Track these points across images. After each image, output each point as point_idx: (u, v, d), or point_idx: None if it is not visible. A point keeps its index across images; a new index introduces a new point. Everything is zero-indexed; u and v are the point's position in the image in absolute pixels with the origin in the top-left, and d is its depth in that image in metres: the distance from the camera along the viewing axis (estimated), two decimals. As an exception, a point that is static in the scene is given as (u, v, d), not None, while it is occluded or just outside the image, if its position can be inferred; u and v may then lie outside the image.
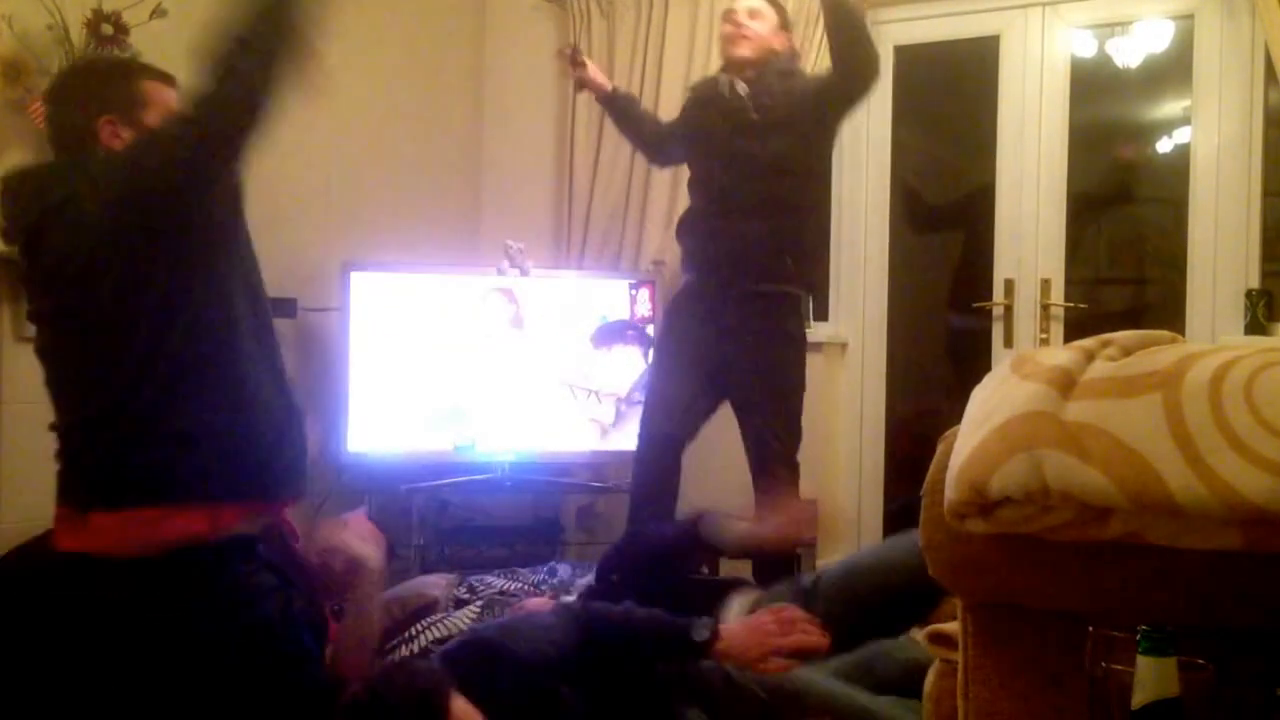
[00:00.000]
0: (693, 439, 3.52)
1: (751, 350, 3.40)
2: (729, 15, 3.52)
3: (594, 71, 3.83)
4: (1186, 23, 3.86)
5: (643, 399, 3.68)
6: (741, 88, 3.43)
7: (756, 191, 3.38)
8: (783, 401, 3.44)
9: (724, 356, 3.42)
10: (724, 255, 3.43)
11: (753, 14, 3.48)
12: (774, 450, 3.40)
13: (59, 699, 2.02)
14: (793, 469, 3.45)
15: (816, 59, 4.04)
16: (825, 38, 3.44)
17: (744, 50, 3.45)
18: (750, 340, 3.39)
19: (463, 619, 2.98)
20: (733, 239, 3.40)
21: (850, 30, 3.25)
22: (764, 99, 3.40)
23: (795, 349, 3.47)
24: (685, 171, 4.17)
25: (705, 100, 3.56)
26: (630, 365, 3.97)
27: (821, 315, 4.29)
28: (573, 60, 3.79)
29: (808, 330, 3.62)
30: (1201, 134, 3.82)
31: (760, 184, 3.38)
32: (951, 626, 1.35)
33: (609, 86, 3.84)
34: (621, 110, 3.85)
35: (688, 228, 3.60)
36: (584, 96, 4.36)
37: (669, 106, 4.21)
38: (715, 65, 4.11)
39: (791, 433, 3.45)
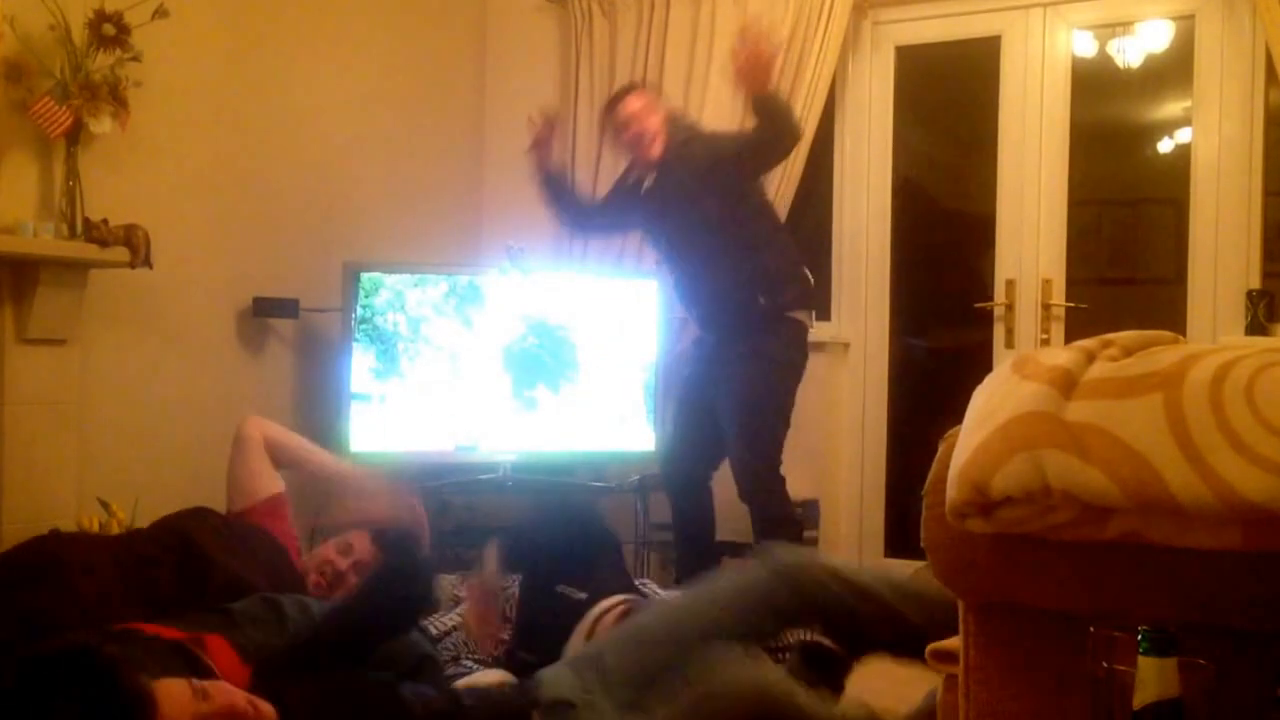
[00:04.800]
0: (716, 467, 3.71)
1: (729, 371, 3.57)
2: (624, 125, 3.63)
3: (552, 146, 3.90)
4: (1187, 23, 3.86)
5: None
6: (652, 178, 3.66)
7: (702, 251, 3.60)
8: (750, 416, 3.53)
9: (716, 387, 3.63)
10: (701, 311, 3.73)
11: (642, 114, 3.60)
12: (741, 463, 3.54)
13: None
14: (760, 479, 3.52)
15: (817, 62, 4.05)
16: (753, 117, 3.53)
17: (656, 150, 3.60)
18: (729, 362, 3.57)
19: (455, 616, 2.99)
20: (701, 295, 3.69)
21: (780, 118, 3.42)
22: (681, 175, 3.56)
23: (770, 367, 3.55)
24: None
25: (629, 194, 3.76)
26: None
27: (823, 315, 4.29)
28: (542, 132, 3.81)
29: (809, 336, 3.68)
30: (1202, 134, 3.82)
31: (703, 243, 3.58)
32: (952, 643, 1.35)
33: (556, 166, 3.92)
34: (558, 185, 3.91)
35: (675, 295, 3.87)
36: (584, 97, 4.39)
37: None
38: (715, 65, 4.14)
39: (759, 447, 3.52)
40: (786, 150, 3.56)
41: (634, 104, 3.62)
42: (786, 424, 3.58)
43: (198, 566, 2.52)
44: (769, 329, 3.55)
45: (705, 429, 3.63)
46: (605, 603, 2.66)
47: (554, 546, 2.90)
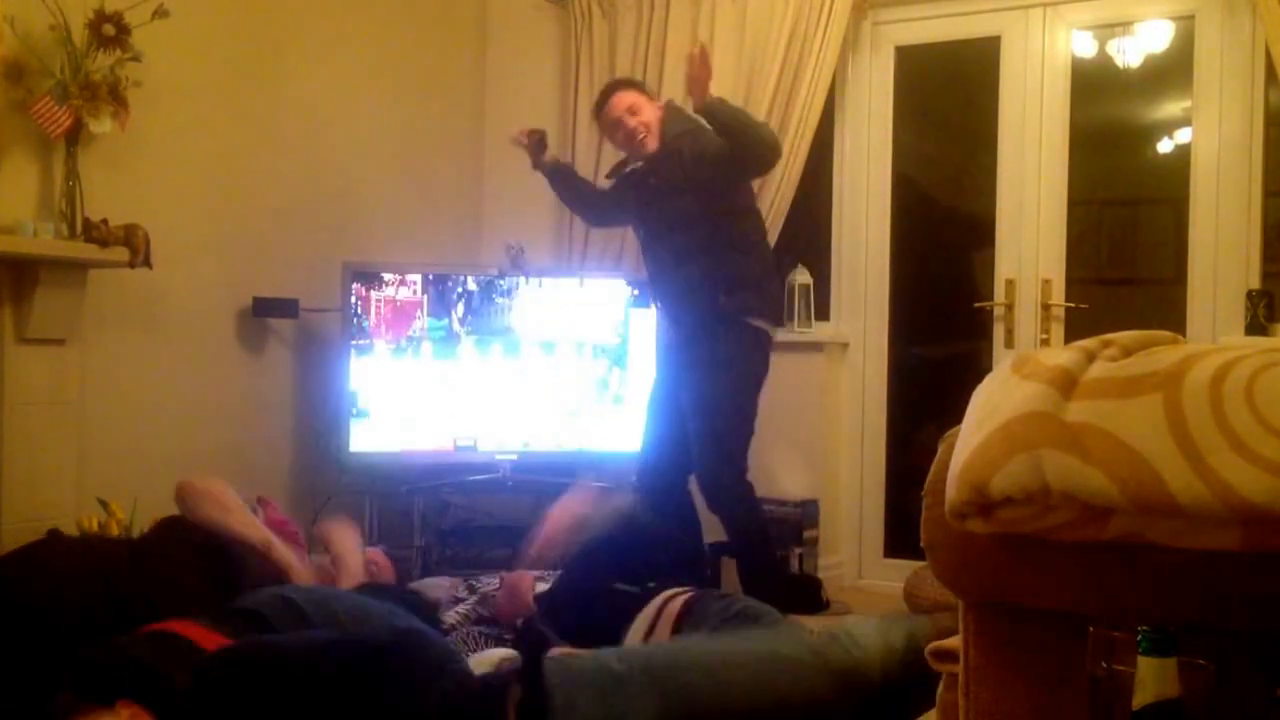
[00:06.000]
0: (691, 471, 3.65)
1: (691, 376, 3.58)
2: (616, 124, 3.66)
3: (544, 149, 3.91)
4: (1187, 23, 3.86)
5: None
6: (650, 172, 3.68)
7: (678, 244, 3.60)
8: (711, 423, 3.53)
9: (682, 393, 3.63)
10: (669, 306, 3.72)
11: (632, 110, 3.63)
12: (704, 472, 3.55)
13: None
14: (725, 488, 3.52)
15: (817, 62, 4.05)
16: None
17: (651, 145, 3.64)
18: (691, 367, 3.58)
19: (454, 614, 3.00)
20: (670, 290, 3.68)
21: (736, 128, 3.46)
22: (669, 168, 3.59)
23: (728, 373, 3.53)
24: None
25: (626, 181, 3.81)
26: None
27: (822, 315, 4.30)
28: (538, 142, 3.86)
29: (773, 341, 3.66)
30: (1202, 134, 3.82)
31: (679, 237, 3.59)
32: (952, 642, 1.35)
33: (553, 160, 3.94)
34: (564, 178, 3.98)
35: (649, 288, 3.90)
36: (584, 97, 4.40)
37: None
38: (715, 65, 4.12)
39: (721, 455, 3.52)
40: (761, 160, 3.56)
41: (622, 102, 3.64)
42: (749, 430, 3.55)
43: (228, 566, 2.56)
44: (729, 333, 3.53)
45: (676, 433, 3.61)
46: (668, 592, 2.66)
47: (608, 547, 2.95)
